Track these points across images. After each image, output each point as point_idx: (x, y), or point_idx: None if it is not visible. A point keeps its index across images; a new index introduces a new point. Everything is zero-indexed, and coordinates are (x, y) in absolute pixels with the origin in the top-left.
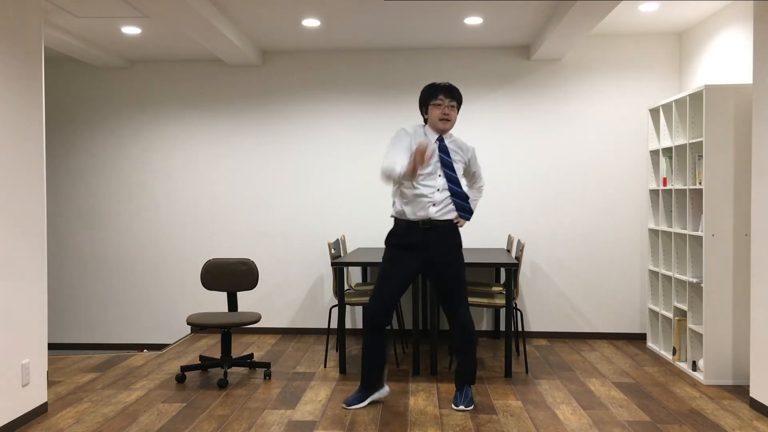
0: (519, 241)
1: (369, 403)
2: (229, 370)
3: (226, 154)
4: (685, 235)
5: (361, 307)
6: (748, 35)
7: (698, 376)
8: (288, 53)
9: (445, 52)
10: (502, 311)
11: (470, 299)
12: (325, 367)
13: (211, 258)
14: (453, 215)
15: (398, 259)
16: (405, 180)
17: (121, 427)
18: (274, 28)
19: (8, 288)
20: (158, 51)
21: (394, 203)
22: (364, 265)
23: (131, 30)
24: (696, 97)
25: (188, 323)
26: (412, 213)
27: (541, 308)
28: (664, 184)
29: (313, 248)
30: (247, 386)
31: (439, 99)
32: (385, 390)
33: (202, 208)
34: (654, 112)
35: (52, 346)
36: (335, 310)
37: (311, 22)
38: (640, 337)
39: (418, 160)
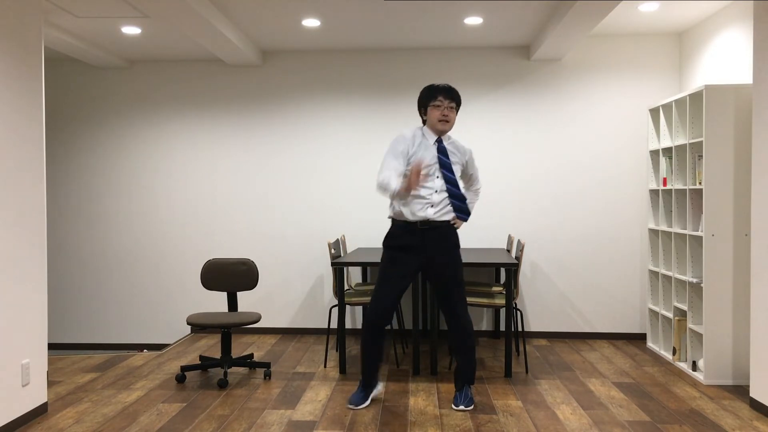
0: (519, 241)
1: (370, 402)
2: (229, 370)
3: (226, 154)
4: (685, 235)
5: (361, 307)
6: (748, 35)
7: (698, 376)
8: (288, 53)
9: (445, 52)
10: (502, 311)
11: (470, 299)
12: (325, 367)
13: (211, 258)
14: (451, 216)
15: (397, 260)
16: (399, 198)
17: (121, 427)
18: (274, 28)
19: (8, 288)
20: (158, 51)
21: (391, 204)
22: (364, 265)
23: (131, 30)
24: (696, 97)
25: (188, 323)
26: (410, 214)
27: (541, 308)
28: (664, 184)
29: (313, 248)
30: (247, 386)
31: (439, 100)
32: (380, 386)
33: (202, 207)
34: (654, 112)
35: (52, 346)
36: (335, 310)
37: (311, 22)
38: (640, 337)
39: (413, 180)
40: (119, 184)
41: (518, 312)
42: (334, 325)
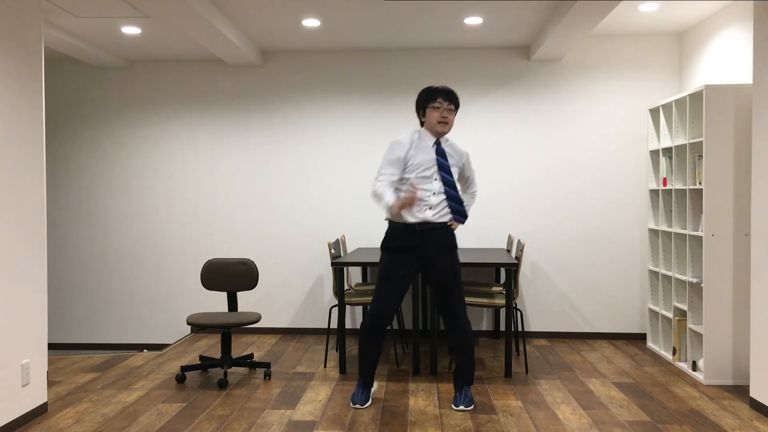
0: (519, 241)
1: (370, 402)
2: (229, 370)
3: (226, 154)
4: (685, 235)
5: (361, 307)
6: (748, 35)
7: (698, 376)
8: (288, 53)
9: (445, 52)
10: (502, 311)
11: (470, 299)
12: (325, 367)
13: (211, 258)
14: (449, 218)
15: (396, 262)
16: (391, 212)
17: (121, 427)
18: (274, 28)
19: (8, 288)
20: (158, 51)
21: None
22: (364, 265)
23: (131, 30)
24: (696, 97)
25: (188, 323)
26: (409, 215)
27: (541, 308)
28: (664, 184)
29: (313, 248)
30: (247, 386)
31: (438, 102)
32: (375, 385)
33: (202, 207)
34: (654, 112)
35: (52, 346)
36: (335, 310)
37: (311, 22)
38: (640, 337)
39: (406, 205)
40: (119, 184)
41: (518, 312)
42: (334, 325)
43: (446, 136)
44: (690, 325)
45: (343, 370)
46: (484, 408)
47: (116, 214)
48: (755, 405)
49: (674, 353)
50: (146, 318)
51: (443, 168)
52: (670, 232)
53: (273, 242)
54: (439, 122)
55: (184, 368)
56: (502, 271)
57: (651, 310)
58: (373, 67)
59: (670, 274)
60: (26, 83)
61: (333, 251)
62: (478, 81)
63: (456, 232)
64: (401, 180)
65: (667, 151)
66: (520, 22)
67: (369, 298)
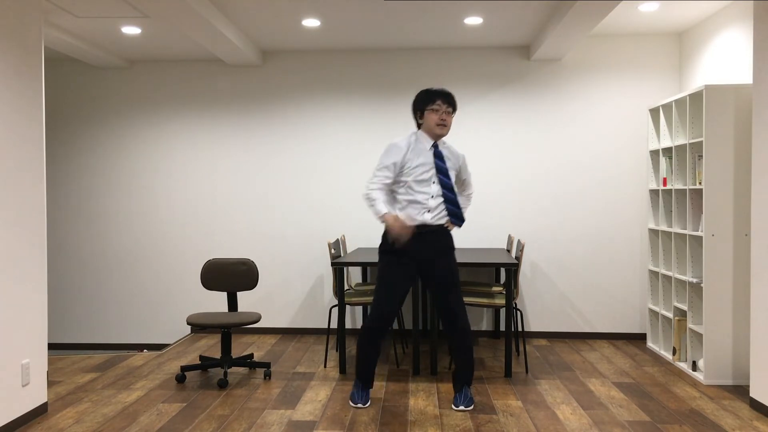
0: (519, 241)
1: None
2: (229, 370)
3: (226, 154)
4: (685, 235)
5: (361, 307)
6: (748, 35)
7: (698, 376)
8: (288, 53)
9: (445, 52)
10: (502, 311)
11: (470, 299)
12: (325, 367)
13: (211, 258)
14: (446, 220)
15: (395, 265)
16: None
17: (121, 427)
18: (274, 28)
19: (8, 288)
20: (158, 51)
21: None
22: (364, 265)
23: (131, 30)
24: (696, 97)
25: (188, 323)
26: (408, 218)
27: (541, 308)
28: (664, 184)
29: (313, 248)
30: (247, 386)
31: (437, 104)
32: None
33: (202, 207)
34: (654, 112)
35: (52, 346)
36: (335, 310)
37: (311, 22)
38: (640, 337)
39: (395, 235)
40: (119, 184)
41: (518, 312)
42: (334, 325)
43: (443, 138)
44: (690, 325)
45: (343, 370)
46: (484, 408)
47: (116, 214)
48: (755, 405)
49: (674, 353)
50: (146, 318)
51: (441, 171)
52: (670, 232)
53: (273, 242)
54: (438, 125)
55: (184, 368)
56: (502, 271)
57: (651, 310)
58: (373, 67)
59: (670, 274)
60: (26, 83)
61: (333, 251)
62: (478, 81)
63: (456, 231)
64: (399, 183)
65: (667, 151)
66: (520, 22)
67: (369, 298)
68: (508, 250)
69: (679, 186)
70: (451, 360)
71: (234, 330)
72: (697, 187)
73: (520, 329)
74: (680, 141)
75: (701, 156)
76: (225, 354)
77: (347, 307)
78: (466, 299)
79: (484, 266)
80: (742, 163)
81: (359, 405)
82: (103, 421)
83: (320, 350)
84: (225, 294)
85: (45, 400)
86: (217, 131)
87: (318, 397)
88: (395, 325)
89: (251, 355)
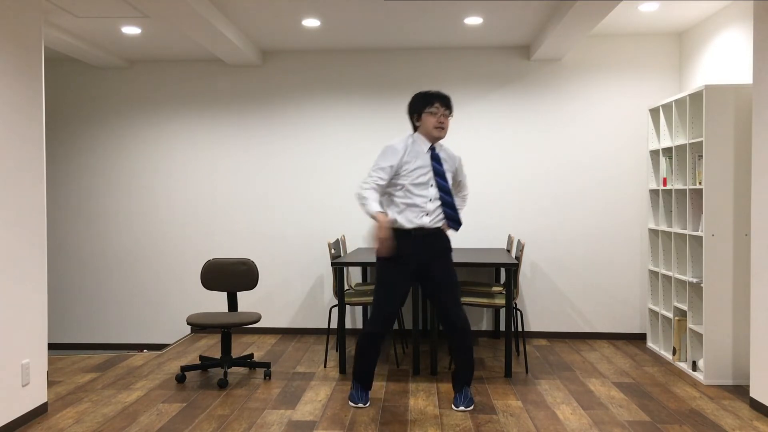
0: (519, 241)
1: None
2: (229, 370)
3: (226, 154)
4: (685, 235)
5: (361, 307)
6: (748, 35)
7: (698, 376)
8: (288, 53)
9: (445, 52)
10: (502, 311)
11: (470, 299)
12: (325, 367)
13: (211, 258)
14: (443, 222)
15: (394, 269)
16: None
17: (121, 427)
18: (274, 28)
19: (8, 288)
20: (158, 51)
21: (384, 212)
22: (364, 265)
23: (131, 30)
24: (696, 97)
25: (188, 323)
26: (407, 221)
27: (541, 308)
28: (664, 184)
29: (313, 248)
30: (247, 386)
31: (435, 107)
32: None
33: (202, 207)
34: (654, 112)
35: (52, 346)
36: (335, 310)
37: (311, 22)
38: (640, 337)
39: (376, 237)
40: (119, 184)
41: (518, 312)
42: (334, 325)
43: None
44: (690, 325)
45: (343, 370)
46: (484, 408)
47: (116, 214)
48: (755, 405)
49: (674, 353)
50: (146, 318)
51: (439, 174)
52: (670, 232)
53: (273, 242)
54: (436, 127)
55: (184, 368)
56: (502, 271)
57: (651, 310)
58: (373, 67)
59: (670, 274)
60: (26, 83)
61: (333, 251)
62: (478, 81)
63: (456, 232)
64: (396, 186)
65: (667, 151)
66: (520, 22)
67: (369, 298)
68: (508, 250)
69: (679, 186)
70: (451, 360)
71: (234, 330)
72: (697, 187)
73: (520, 329)
74: (680, 141)
75: (701, 156)
76: (225, 354)
77: (347, 307)
78: (466, 299)
79: (484, 266)
80: (742, 163)
81: (359, 405)
82: (103, 421)
83: (320, 350)
84: (225, 294)
85: (45, 400)
86: (217, 131)
87: (318, 397)
88: (395, 325)
89: (251, 355)
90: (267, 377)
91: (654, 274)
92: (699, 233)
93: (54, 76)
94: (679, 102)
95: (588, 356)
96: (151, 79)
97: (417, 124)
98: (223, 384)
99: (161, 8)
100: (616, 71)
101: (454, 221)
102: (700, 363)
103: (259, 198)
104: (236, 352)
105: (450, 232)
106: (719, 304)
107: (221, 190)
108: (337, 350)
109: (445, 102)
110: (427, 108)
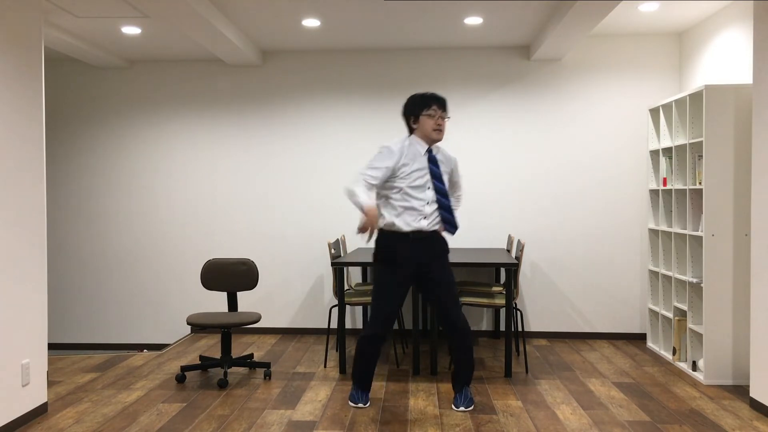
0: (519, 241)
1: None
2: (229, 370)
3: (226, 154)
4: (685, 235)
5: (361, 307)
6: (748, 35)
7: (698, 376)
8: (288, 53)
9: (445, 52)
10: (502, 311)
11: (470, 299)
12: (325, 367)
13: (211, 258)
14: (440, 225)
15: (392, 273)
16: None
17: (121, 427)
18: (274, 28)
19: (8, 288)
20: (158, 51)
21: (381, 215)
22: (364, 265)
23: (131, 30)
24: (696, 97)
25: (188, 323)
26: (404, 225)
27: (541, 308)
28: (664, 184)
29: (313, 248)
30: (247, 386)
31: (433, 109)
32: None
33: (202, 207)
34: (654, 112)
35: (52, 346)
36: (335, 310)
37: (311, 22)
38: (640, 337)
39: (363, 225)
40: (119, 184)
41: (518, 312)
42: (334, 325)
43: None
44: (690, 325)
45: (343, 370)
46: (484, 408)
47: (116, 214)
48: (755, 405)
49: (674, 353)
50: (146, 318)
51: (435, 176)
52: (670, 232)
53: (273, 242)
54: (435, 130)
55: (184, 368)
56: (502, 271)
57: (651, 310)
58: (373, 67)
59: (670, 274)
60: (26, 83)
61: (333, 251)
62: (478, 81)
63: (457, 231)
64: (393, 189)
65: (667, 151)
66: (520, 22)
67: (369, 298)
68: (508, 250)
69: (679, 186)
70: (451, 360)
71: (234, 330)
72: (697, 187)
73: (520, 329)
74: (680, 141)
75: (701, 156)
76: (225, 354)
77: (347, 307)
78: (466, 299)
79: (484, 266)
80: (742, 163)
81: (359, 405)
82: (103, 421)
83: (320, 350)
84: (225, 294)
85: (45, 400)
86: (217, 131)
87: (318, 397)
88: (395, 325)
89: (251, 355)
90: (267, 377)
91: (654, 274)
92: (699, 233)
93: (54, 76)
94: (679, 102)
95: (588, 356)
96: (151, 79)
97: (414, 126)
98: (223, 384)
99: (161, 8)
100: (616, 71)
101: (450, 225)
102: (700, 363)
103: (259, 198)
104: (236, 352)
105: (447, 234)
106: (719, 304)
107: (221, 190)
108: (337, 350)
109: (443, 104)
110: (425, 110)
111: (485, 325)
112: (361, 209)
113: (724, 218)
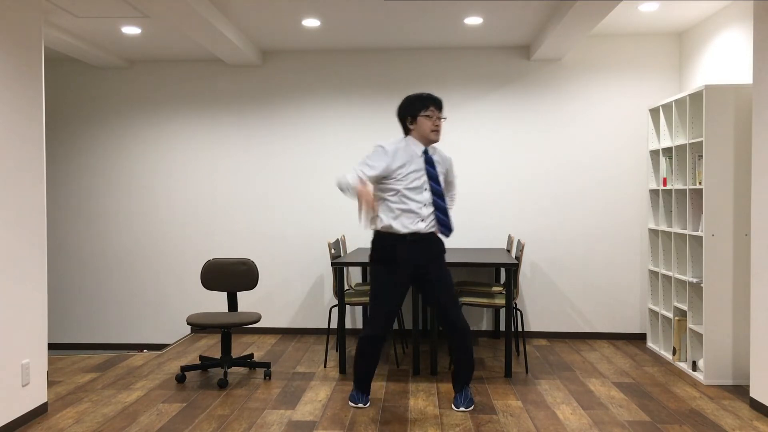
0: (519, 241)
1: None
2: (229, 370)
3: (226, 154)
4: (685, 235)
5: (361, 307)
6: (748, 35)
7: (698, 376)
8: (288, 53)
9: (445, 52)
10: (502, 311)
11: (470, 299)
12: (325, 367)
13: (211, 258)
14: (435, 229)
15: (390, 274)
16: (349, 193)
17: (121, 427)
18: (274, 28)
19: (8, 288)
20: (158, 51)
21: (378, 217)
22: (364, 265)
23: (131, 30)
24: (696, 97)
25: (188, 323)
26: (402, 227)
27: (541, 308)
28: (664, 184)
29: (313, 248)
30: (247, 386)
31: (431, 110)
32: None
33: (202, 207)
34: (654, 112)
35: (52, 346)
36: (335, 310)
37: (311, 22)
38: (640, 337)
39: (364, 203)
40: (119, 184)
41: (518, 312)
42: (334, 325)
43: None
44: (690, 325)
45: (343, 370)
46: (484, 408)
47: (116, 214)
48: (755, 405)
49: (674, 353)
50: (146, 318)
51: (432, 177)
52: (670, 232)
53: (273, 242)
54: (433, 131)
55: (184, 368)
56: (502, 271)
57: (651, 310)
58: (373, 67)
59: (670, 274)
60: (26, 83)
61: (333, 251)
62: (478, 81)
63: (456, 231)
64: (390, 191)
65: (667, 151)
66: (520, 22)
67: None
68: (508, 250)
69: (679, 186)
70: (450, 360)
71: (234, 330)
72: (697, 187)
73: (520, 329)
74: (680, 141)
75: (701, 156)
76: (225, 354)
77: (347, 307)
78: (466, 299)
79: (484, 266)
80: (742, 163)
81: (359, 405)
82: (103, 421)
83: (320, 350)
84: (225, 294)
85: (45, 400)
86: (217, 131)
87: (318, 397)
88: (395, 325)
89: (251, 355)
90: (267, 377)
91: (654, 274)
92: (699, 233)
93: (54, 76)
94: (679, 102)
95: (588, 356)
96: (151, 79)
97: (411, 127)
98: (223, 384)
99: (161, 8)
100: (616, 71)
101: (445, 227)
102: (700, 363)
103: (259, 198)
104: (236, 352)
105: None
106: (719, 304)
107: (221, 190)
108: (337, 350)
109: (440, 105)
110: (423, 111)
111: (485, 325)
112: (354, 191)
113: (724, 218)
